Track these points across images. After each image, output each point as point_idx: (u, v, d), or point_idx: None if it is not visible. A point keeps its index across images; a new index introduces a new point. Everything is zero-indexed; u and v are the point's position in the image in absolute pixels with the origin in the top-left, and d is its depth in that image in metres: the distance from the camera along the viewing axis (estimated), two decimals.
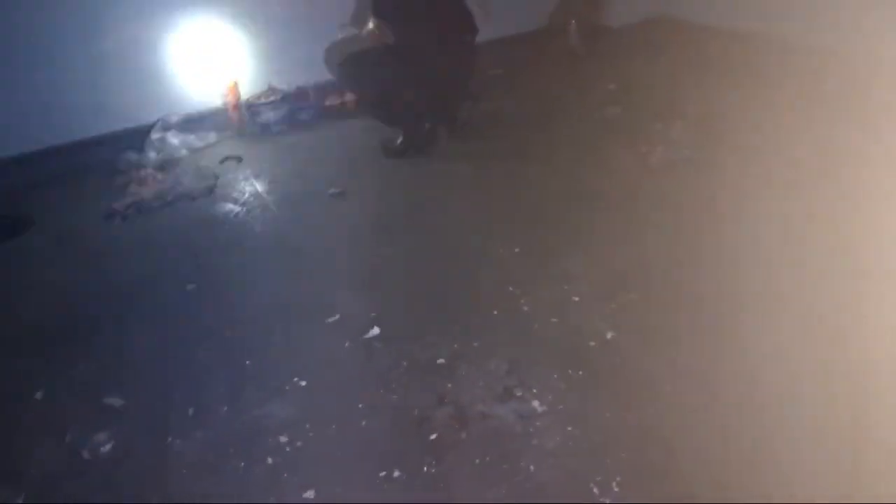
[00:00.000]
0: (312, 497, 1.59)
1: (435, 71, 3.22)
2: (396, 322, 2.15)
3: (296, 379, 1.96)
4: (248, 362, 2.05)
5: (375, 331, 2.13)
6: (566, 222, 2.60)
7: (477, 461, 1.63)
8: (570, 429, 1.68)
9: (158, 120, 3.69)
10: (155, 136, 3.60)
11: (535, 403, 1.77)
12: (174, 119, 3.72)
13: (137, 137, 3.63)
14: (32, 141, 3.52)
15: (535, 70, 4.24)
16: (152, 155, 3.52)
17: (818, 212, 2.37)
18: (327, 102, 4.08)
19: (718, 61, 3.85)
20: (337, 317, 2.21)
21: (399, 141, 3.39)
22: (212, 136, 3.79)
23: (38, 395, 2.02)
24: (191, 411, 1.89)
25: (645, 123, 3.28)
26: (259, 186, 3.23)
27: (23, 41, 3.35)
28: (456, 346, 2.01)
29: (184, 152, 3.61)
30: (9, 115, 3.41)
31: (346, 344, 2.08)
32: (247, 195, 3.15)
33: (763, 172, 2.68)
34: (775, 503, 1.47)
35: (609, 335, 1.98)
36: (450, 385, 1.87)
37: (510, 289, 2.24)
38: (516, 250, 2.44)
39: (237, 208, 3.03)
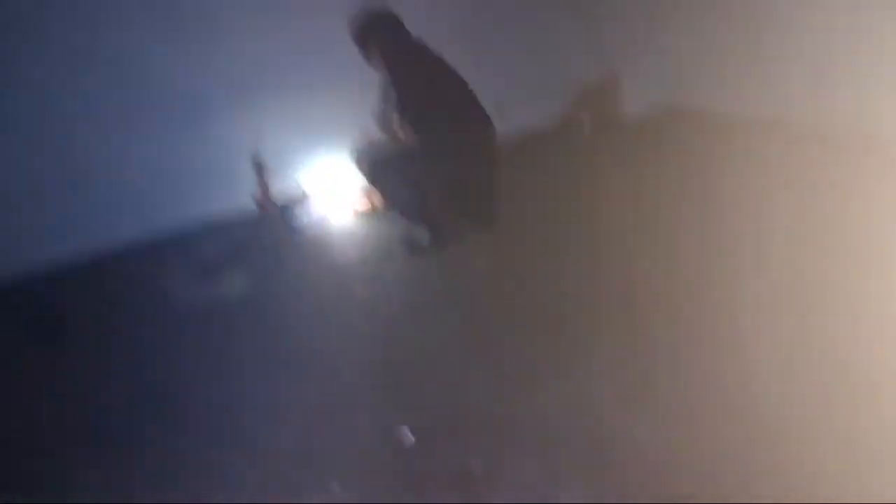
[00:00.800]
0: None
1: (457, 171, 3.32)
2: (422, 423, 2.16)
3: (326, 480, 1.97)
4: (276, 462, 2.07)
5: (403, 431, 2.14)
6: (590, 322, 2.62)
7: None
8: None
9: (192, 222, 3.82)
10: (192, 238, 3.72)
11: None
12: (209, 220, 3.85)
13: (172, 241, 3.77)
14: (65, 241, 3.63)
15: (554, 166, 4.33)
16: (187, 259, 3.63)
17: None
18: (355, 203, 4.19)
19: (733, 152, 3.91)
20: (365, 418, 2.23)
21: (424, 239, 3.48)
22: (244, 239, 3.90)
23: None
24: None
25: (665, 219, 3.33)
26: (288, 286, 3.32)
27: (58, 142, 3.53)
28: (483, 449, 2.01)
29: (218, 257, 3.71)
30: (41, 217, 3.55)
31: (372, 445, 2.10)
32: (277, 297, 3.23)
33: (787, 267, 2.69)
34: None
35: (636, 437, 1.97)
36: (480, 491, 1.86)
37: (535, 389, 2.24)
38: (541, 350, 2.45)
39: (271, 316, 3.09)
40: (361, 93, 3.93)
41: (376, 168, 3.44)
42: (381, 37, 3.39)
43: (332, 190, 4.16)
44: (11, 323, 3.19)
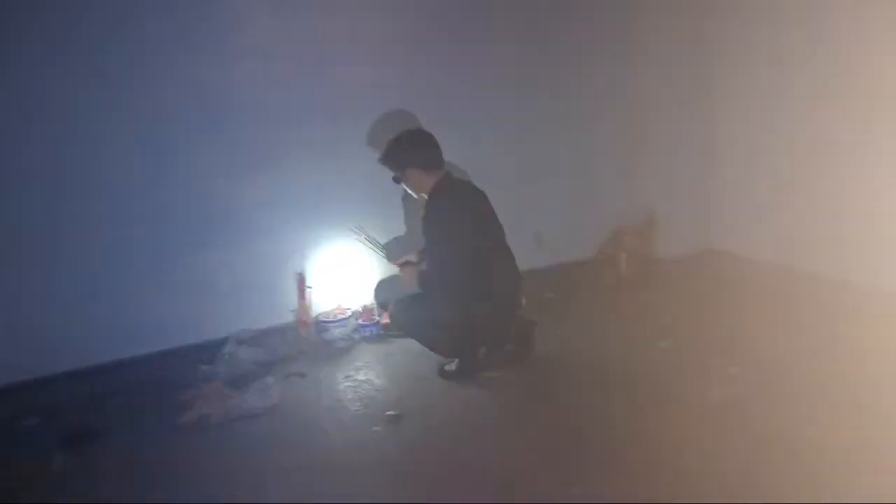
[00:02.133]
0: None
1: (486, 303, 3.34)
2: None
3: None
4: None
5: None
6: (625, 460, 2.54)
7: None
8: None
9: (231, 335, 3.88)
10: (226, 350, 3.76)
11: None
12: (245, 335, 3.90)
13: (209, 351, 3.81)
14: (106, 353, 3.72)
15: (587, 298, 4.38)
16: (221, 369, 3.66)
17: None
18: (389, 321, 4.23)
19: (764, 294, 3.96)
20: None
21: (454, 365, 3.46)
22: (280, 351, 3.94)
23: None
24: None
25: (698, 358, 3.31)
26: (319, 405, 3.29)
27: (100, 258, 3.66)
28: None
29: (252, 367, 3.73)
30: (84, 328, 3.63)
31: None
32: (307, 415, 3.20)
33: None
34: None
35: None
36: None
37: None
38: (574, 490, 2.37)
39: (299, 427, 3.07)
40: (397, 219, 4.09)
41: (402, 304, 3.50)
42: (414, 164, 3.39)
43: (368, 307, 4.20)
44: (47, 432, 3.23)
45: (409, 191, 3.53)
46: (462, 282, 3.26)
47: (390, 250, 3.99)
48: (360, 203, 4.11)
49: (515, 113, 4.50)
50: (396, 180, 3.49)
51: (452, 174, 3.50)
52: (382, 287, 4.07)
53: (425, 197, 3.43)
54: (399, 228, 4.28)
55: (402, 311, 3.49)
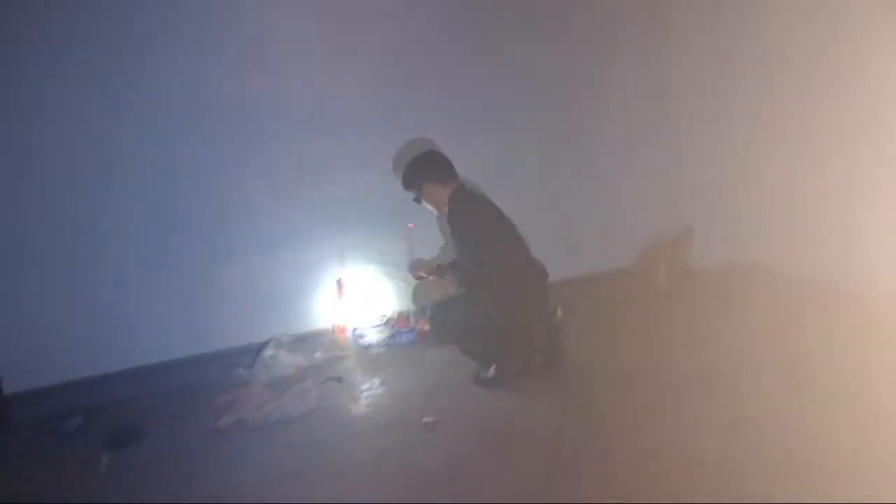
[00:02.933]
0: None
1: (521, 313, 3.33)
2: None
3: None
4: None
5: None
6: (660, 477, 2.48)
7: None
8: None
9: (271, 339, 3.91)
10: (267, 354, 3.79)
11: None
12: (286, 339, 3.93)
13: (248, 355, 3.85)
14: (148, 356, 3.79)
15: (623, 309, 4.31)
16: (261, 373, 3.68)
17: None
18: (425, 327, 4.22)
19: (801, 307, 3.88)
20: None
21: (490, 372, 3.43)
22: (318, 356, 3.96)
23: None
24: None
25: (732, 371, 3.24)
26: (355, 410, 3.29)
27: (143, 263, 3.73)
28: None
29: (290, 371, 3.75)
30: (127, 332, 3.71)
31: None
32: (343, 419, 3.20)
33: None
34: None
35: None
36: None
37: None
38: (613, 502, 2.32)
39: (334, 432, 3.07)
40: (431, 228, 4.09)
41: (439, 308, 3.49)
42: (431, 181, 3.49)
43: (404, 313, 4.20)
44: (90, 432, 3.30)
45: (430, 207, 3.59)
46: (499, 276, 3.27)
47: (414, 263, 4.04)
48: (393, 212, 4.11)
49: (546, 121, 4.46)
50: (417, 200, 3.59)
51: (464, 185, 3.55)
52: (421, 293, 4.07)
53: (444, 210, 3.51)
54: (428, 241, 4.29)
55: (442, 315, 3.47)
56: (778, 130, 4.51)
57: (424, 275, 3.73)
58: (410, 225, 4.04)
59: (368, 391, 3.51)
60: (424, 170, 3.50)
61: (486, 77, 4.29)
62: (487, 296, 3.29)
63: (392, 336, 4.16)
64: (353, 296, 4.16)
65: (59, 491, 2.77)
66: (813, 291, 4.10)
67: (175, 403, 3.57)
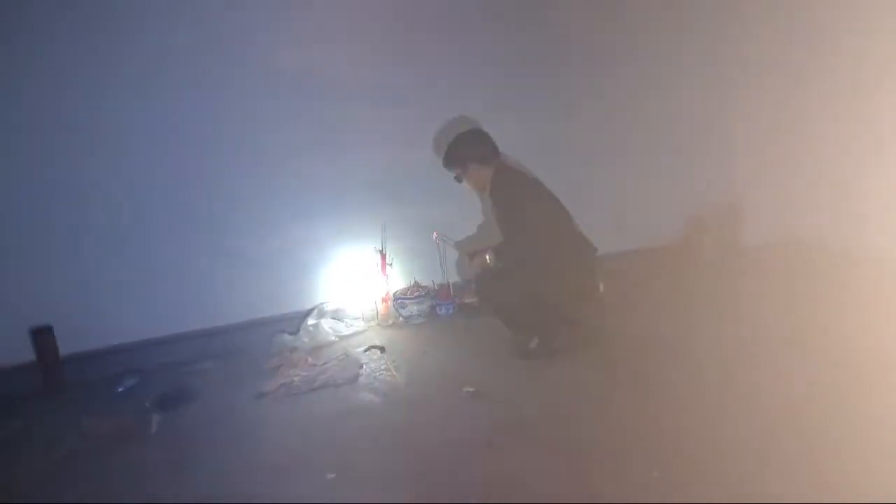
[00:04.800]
0: None
1: (565, 283, 3.27)
2: None
3: None
4: None
5: None
6: (703, 448, 2.42)
7: None
8: None
9: (314, 307, 3.92)
10: (310, 322, 3.80)
11: None
12: (328, 307, 3.94)
13: (293, 322, 3.87)
14: (202, 320, 3.84)
15: (668, 283, 4.22)
16: (305, 340, 3.70)
17: None
18: (465, 300, 4.20)
19: (849, 285, 3.75)
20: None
21: (532, 344, 3.39)
22: (360, 325, 3.97)
23: None
24: None
25: (774, 349, 3.14)
26: (398, 378, 3.28)
27: (194, 235, 3.76)
28: None
29: (333, 339, 3.77)
30: (179, 298, 3.77)
31: None
32: (387, 387, 3.19)
33: None
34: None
35: None
36: None
37: None
38: (655, 474, 2.27)
39: (377, 399, 3.07)
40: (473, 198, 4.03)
41: (485, 278, 3.45)
42: (475, 160, 3.44)
43: (445, 285, 4.17)
44: (143, 392, 3.35)
45: (471, 186, 3.55)
46: (546, 251, 3.24)
47: (462, 245, 4.02)
48: (433, 184, 4.05)
49: (591, 96, 4.35)
50: (458, 179, 3.54)
51: (506, 162, 3.50)
52: (464, 265, 4.01)
53: (486, 190, 3.48)
54: (469, 218, 4.24)
55: (486, 287, 3.44)
56: (830, 104, 4.36)
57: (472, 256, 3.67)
58: (434, 234, 3.99)
59: (409, 360, 3.49)
60: (470, 148, 3.45)
61: (530, 51, 4.19)
62: (533, 269, 3.24)
63: (433, 307, 4.13)
64: (395, 267, 4.14)
65: (112, 447, 2.81)
66: (861, 269, 3.96)
67: (224, 367, 3.61)
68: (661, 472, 2.26)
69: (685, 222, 4.60)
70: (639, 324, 3.64)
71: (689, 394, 2.82)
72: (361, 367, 3.39)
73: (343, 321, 3.96)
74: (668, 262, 4.46)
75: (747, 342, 3.25)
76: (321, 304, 3.95)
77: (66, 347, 3.55)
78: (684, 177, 4.56)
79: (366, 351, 3.62)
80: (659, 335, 3.47)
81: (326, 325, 3.83)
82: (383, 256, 4.09)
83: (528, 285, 3.25)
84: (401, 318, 4.07)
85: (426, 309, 4.11)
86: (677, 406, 2.72)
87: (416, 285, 4.16)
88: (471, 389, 3.04)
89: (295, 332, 3.78)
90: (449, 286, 4.21)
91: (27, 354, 3.48)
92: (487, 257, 3.39)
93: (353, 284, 4.08)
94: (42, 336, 3.49)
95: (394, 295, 4.12)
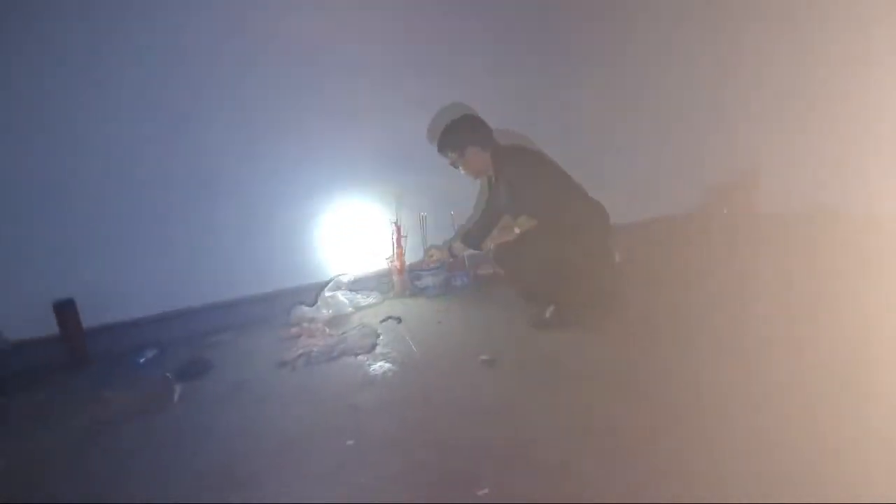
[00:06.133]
0: None
1: (581, 252, 3.22)
2: (548, 497, 1.98)
3: None
4: None
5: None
6: (726, 418, 2.37)
7: None
8: None
9: (332, 279, 3.90)
10: (327, 293, 3.78)
11: None
12: (345, 279, 3.91)
13: (310, 293, 3.85)
14: (221, 292, 3.84)
15: (687, 251, 4.14)
16: (323, 311, 3.68)
17: None
18: (480, 271, 4.15)
19: (871, 256, 3.64)
20: (486, 490, 2.08)
21: (548, 313, 3.34)
22: (376, 296, 3.94)
23: None
24: None
25: (793, 318, 3.07)
26: (415, 347, 3.25)
27: (213, 207, 3.75)
28: None
29: (350, 310, 3.75)
30: (198, 271, 3.76)
31: None
32: (404, 356, 3.17)
33: None
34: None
35: None
36: None
37: (670, 481, 2.02)
38: (675, 445, 2.23)
39: (395, 368, 3.04)
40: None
41: (502, 248, 3.40)
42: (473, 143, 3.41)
43: (460, 257, 4.12)
44: (164, 363, 3.36)
45: (468, 172, 3.50)
46: (562, 220, 3.21)
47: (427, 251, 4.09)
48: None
49: (610, 65, 4.27)
50: (454, 165, 3.49)
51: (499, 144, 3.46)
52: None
53: (482, 175, 3.47)
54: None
55: (504, 256, 3.40)
56: (850, 72, 4.23)
57: (438, 256, 3.86)
58: (451, 213, 4.01)
59: (425, 331, 3.46)
60: (467, 133, 3.41)
61: (545, 15, 4.09)
62: (550, 239, 3.19)
63: (448, 279, 4.10)
64: (410, 239, 4.10)
65: (135, 417, 2.81)
66: (880, 237, 3.87)
67: (243, 338, 3.61)
68: (672, 440, 2.22)
69: (704, 190, 4.51)
70: (656, 293, 3.58)
71: (704, 364, 2.75)
72: (378, 337, 3.36)
73: (359, 293, 3.93)
74: (686, 230, 4.37)
75: (765, 316, 3.17)
76: (338, 275, 3.93)
77: (88, 320, 3.55)
78: (703, 143, 4.46)
79: (382, 322, 3.60)
80: (676, 305, 3.41)
81: (343, 296, 3.80)
82: (398, 228, 4.05)
83: (545, 254, 3.21)
84: (416, 290, 4.03)
85: (441, 280, 4.07)
86: (692, 376, 2.66)
87: (431, 255, 4.12)
88: (487, 358, 3.00)
89: (312, 304, 3.76)
90: (464, 258, 4.16)
91: (50, 327, 3.49)
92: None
93: (369, 256, 4.05)
94: (64, 309, 3.49)
95: (409, 267, 4.09)
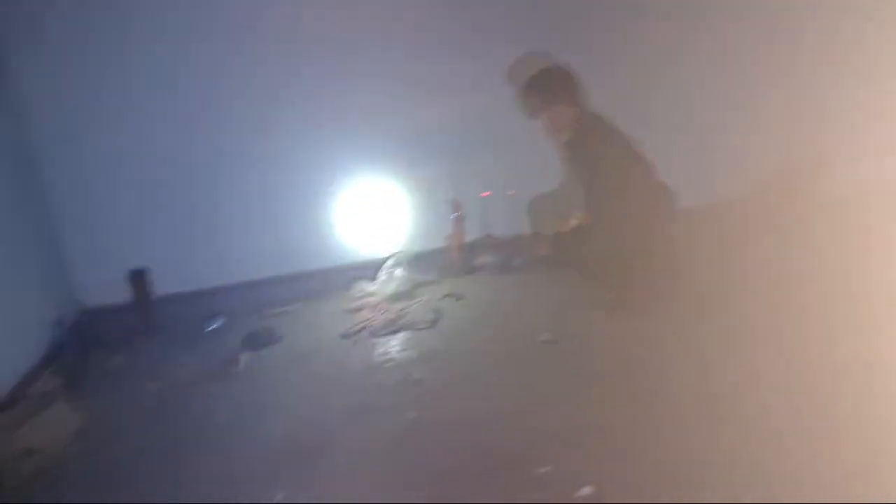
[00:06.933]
0: None
1: (645, 238, 3.11)
2: (609, 480, 1.94)
3: None
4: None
5: (587, 490, 1.95)
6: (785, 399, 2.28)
7: None
8: None
9: (392, 255, 3.91)
10: (388, 269, 3.79)
11: None
12: (405, 256, 3.92)
13: (372, 269, 3.87)
14: (285, 265, 3.90)
15: (744, 237, 3.97)
16: (383, 286, 3.70)
17: None
18: (539, 252, 4.09)
19: None
20: (548, 468, 2.06)
21: (610, 296, 3.26)
22: (435, 274, 3.94)
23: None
24: None
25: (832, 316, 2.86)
26: (473, 325, 3.24)
27: (280, 183, 3.80)
28: None
29: (410, 286, 3.75)
30: (264, 244, 3.83)
31: (556, 499, 1.91)
32: (463, 334, 3.15)
33: None
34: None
35: None
36: None
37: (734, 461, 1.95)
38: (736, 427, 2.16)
39: (454, 345, 3.03)
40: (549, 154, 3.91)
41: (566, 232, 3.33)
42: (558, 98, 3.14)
43: (519, 236, 4.08)
44: (230, 333, 3.44)
45: (548, 127, 3.24)
46: (628, 203, 3.06)
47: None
48: (511, 137, 3.93)
49: (663, 50, 4.08)
50: (533, 116, 3.22)
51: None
52: (540, 217, 3.87)
53: (561, 134, 3.20)
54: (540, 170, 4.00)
55: (564, 238, 3.32)
56: None
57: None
58: (512, 192, 3.94)
59: (484, 309, 3.45)
60: (560, 84, 3.12)
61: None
62: (614, 222, 3.08)
63: (506, 258, 4.06)
64: (470, 217, 4.07)
65: (202, 383, 2.89)
66: None
67: (306, 310, 3.67)
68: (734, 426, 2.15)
69: (768, 174, 4.32)
70: (714, 281, 3.44)
71: (766, 355, 2.62)
72: (438, 313, 3.36)
73: (419, 269, 3.93)
74: (745, 216, 4.19)
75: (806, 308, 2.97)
76: (399, 252, 3.94)
77: (160, 288, 3.67)
78: (764, 124, 4.25)
79: (443, 298, 3.59)
80: (740, 292, 3.26)
81: (402, 272, 3.81)
82: (458, 208, 4.02)
83: (607, 238, 3.11)
84: (476, 268, 4.01)
85: (499, 260, 4.04)
86: (751, 363, 2.54)
87: (490, 236, 4.09)
88: (547, 337, 2.97)
89: (373, 279, 3.78)
90: (523, 238, 4.11)
91: (126, 295, 3.62)
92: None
93: (430, 234, 4.04)
94: (138, 278, 3.61)
95: (468, 246, 4.07)
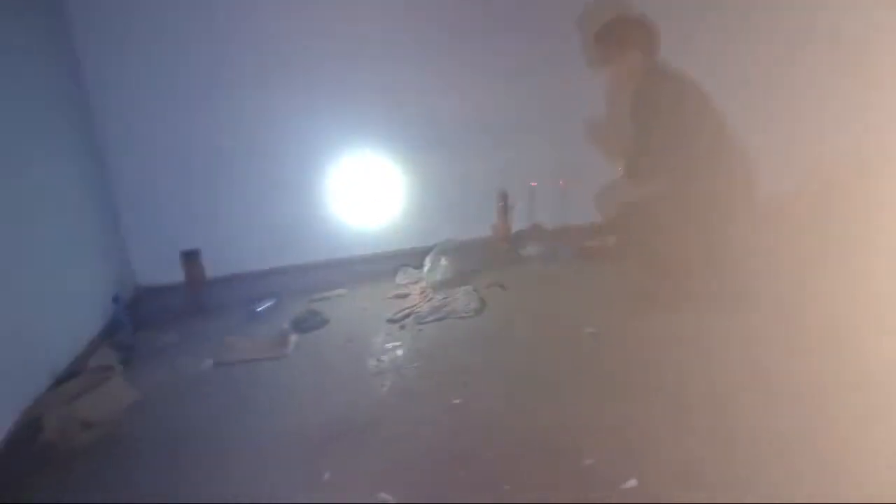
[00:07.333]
0: None
1: (708, 228, 2.99)
2: (655, 475, 1.90)
3: None
4: (506, 487, 1.92)
5: (632, 482, 1.92)
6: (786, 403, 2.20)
7: None
8: None
9: (437, 244, 3.91)
10: (433, 256, 3.80)
11: None
12: (450, 244, 3.92)
13: (417, 257, 3.89)
14: (335, 251, 3.97)
15: (808, 239, 3.79)
16: (429, 274, 3.70)
17: None
18: (587, 243, 4.05)
19: None
20: (592, 461, 2.03)
21: (660, 289, 3.17)
22: (480, 263, 3.92)
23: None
24: None
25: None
26: (518, 315, 3.22)
27: (326, 174, 3.88)
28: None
29: (454, 275, 3.75)
30: (318, 228, 3.92)
31: (599, 493, 1.88)
32: (509, 323, 3.14)
33: None
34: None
35: None
36: None
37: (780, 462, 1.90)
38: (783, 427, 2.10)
39: (500, 334, 3.02)
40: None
41: (624, 216, 3.21)
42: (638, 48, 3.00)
43: (566, 227, 4.04)
44: (285, 315, 3.47)
45: (616, 76, 3.10)
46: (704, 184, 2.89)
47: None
48: (558, 128, 3.92)
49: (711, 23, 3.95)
50: (604, 62, 3.08)
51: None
52: (604, 200, 3.53)
53: (628, 85, 3.05)
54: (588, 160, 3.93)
55: (629, 225, 3.17)
56: None
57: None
58: (533, 183, 3.94)
59: (530, 299, 3.42)
60: (638, 32, 3.00)
61: None
62: (678, 209, 2.91)
63: (552, 249, 4.02)
64: (517, 208, 4.05)
65: (252, 363, 2.95)
66: None
67: (353, 295, 3.70)
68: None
69: (812, 176, 4.14)
70: (771, 275, 3.33)
71: (823, 355, 2.53)
72: (483, 302, 3.35)
73: (464, 258, 3.92)
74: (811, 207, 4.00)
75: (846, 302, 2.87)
76: (444, 241, 3.94)
77: (211, 270, 3.76)
78: (804, 125, 4.08)
79: (487, 288, 3.58)
80: (800, 293, 3.14)
81: (449, 261, 3.80)
82: (504, 197, 4.00)
83: (671, 227, 2.94)
84: (521, 259, 3.99)
85: (546, 251, 4.00)
86: (805, 362, 2.46)
87: (536, 226, 4.06)
88: (592, 330, 2.93)
89: (419, 267, 3.79)
90: (571, 229, 4.07)
91: (178, 275, 3.71)
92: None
93: (476, 224, 4.03)
94: (191, 258, 3.69)
95: (514, 235, 4.05)
